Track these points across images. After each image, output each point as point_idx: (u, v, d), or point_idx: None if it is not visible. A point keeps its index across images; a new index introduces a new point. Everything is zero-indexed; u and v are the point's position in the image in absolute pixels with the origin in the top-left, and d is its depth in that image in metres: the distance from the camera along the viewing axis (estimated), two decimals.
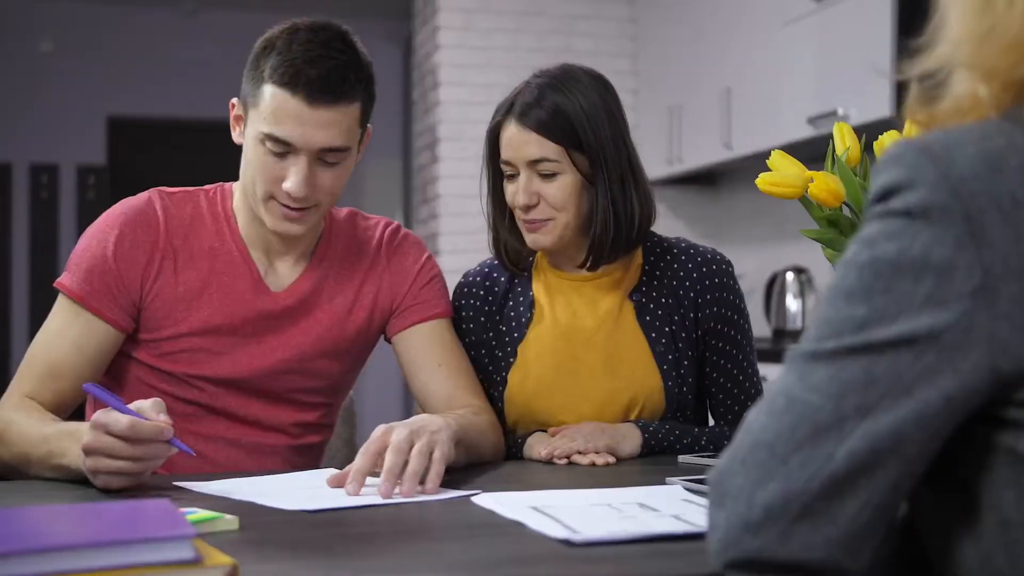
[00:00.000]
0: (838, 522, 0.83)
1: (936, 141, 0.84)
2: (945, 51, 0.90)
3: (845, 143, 1.69)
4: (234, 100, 1.77)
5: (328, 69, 1.66)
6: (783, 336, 4.34)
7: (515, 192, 1.85)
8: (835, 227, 1.63)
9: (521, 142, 1.82)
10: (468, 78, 5.18)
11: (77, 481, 1.45)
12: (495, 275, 1.98)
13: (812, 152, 4.12)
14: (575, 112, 1.82)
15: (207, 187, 1.87)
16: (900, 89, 3.54)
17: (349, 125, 1.71)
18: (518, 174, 1.84)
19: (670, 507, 1.26)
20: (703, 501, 1.30)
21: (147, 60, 7.16)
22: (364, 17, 7.12)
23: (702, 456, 1.74)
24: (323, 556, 1.09)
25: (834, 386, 0.83)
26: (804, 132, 4.00)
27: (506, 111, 1.85)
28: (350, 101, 1.70)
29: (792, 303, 4.33)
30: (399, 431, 1.45)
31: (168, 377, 1.77)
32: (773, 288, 4.42)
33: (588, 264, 1.88)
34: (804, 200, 1.63)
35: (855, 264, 0.85)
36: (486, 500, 1.34)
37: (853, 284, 0.84)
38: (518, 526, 1.18)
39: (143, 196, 1.82)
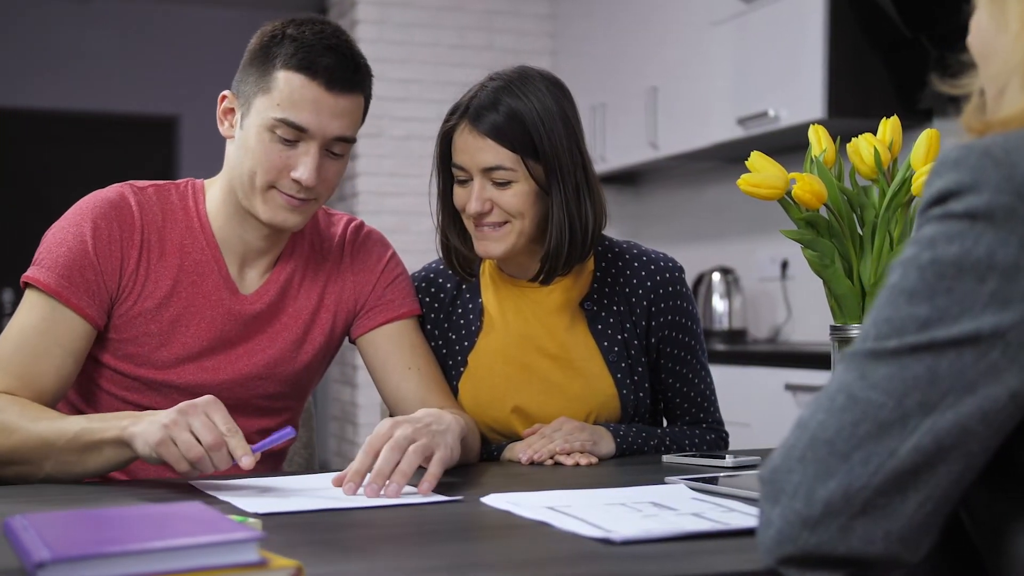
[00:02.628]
0: (899, 517, 0.87)
1: (996, 145, 0.88)
2: (1002, 66, 0.95)
3: (821, 145, 1.74)
4: (226, 92, 1.76)
5: (345, 57, 1.70)
6: (710, 336, 4.43)
7: (467, 199, 1.82)
8: (813, 228, 1.68)
9: (476, 148, 1.80)
10: (386, 73, 5.17)
11: (86, 484, 1.47)
12: (440, 280, 1.98)
13: (742, 152, 4.22)
14: (531, 118, 1.79)
15: (176, 182, 1.84)
16: (832, 91, 3.66)
17: (357, 117, 1.75)
18: (471, 179, 1.82)
19: (686, 506, 1.30)
20: (714, 500, 1.34)
21: (37, 49, 6.99)
22: (271, 8, 7.06)
23: (685, 455, 1.79)
24: (359, 557, 1.10)
25: (897, 384, 0.87)
26: (733, 133, 4.10)
27: (461, 114, 1.82)
28: (361, 92, 1.74)
29: (719, 303, 4.43)
30: (403, 428, 1.46)
31: (133, 383, 1.75)
32: (699, 288, 4.51)
33: (542, 277, 1.87)
34: (783, 201, 1.69)
35: (915, 265, 0.89)
36: (497, 501, 1.36)
37: (914, 284, 0.88)
38: (543, 526, 1.21)
39: (113, 189, 1.78)
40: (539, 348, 1.91)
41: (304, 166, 1.69)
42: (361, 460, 1.43)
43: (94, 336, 1.71)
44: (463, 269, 1.92)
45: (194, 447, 1.38)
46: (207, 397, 1.43)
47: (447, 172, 1.87)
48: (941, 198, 0.89)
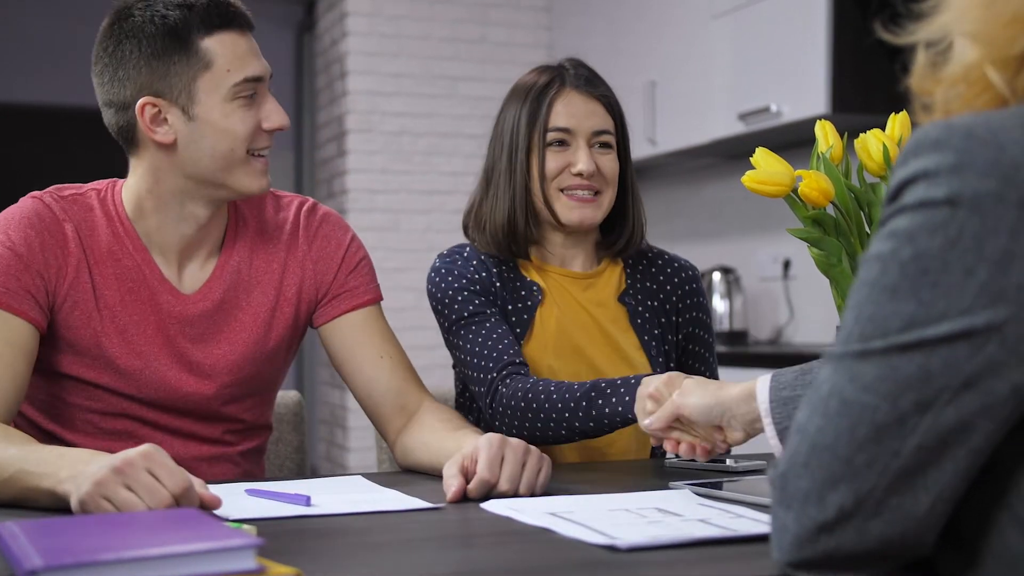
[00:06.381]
0: (913, 515, 0.87)
1: (978, 124, 0.85)
2: (949, 18, 0.93)
3: (828, 141, 1.74)
4: (146, 100, 1.66)
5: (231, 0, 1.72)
6: None
7: (568, 161, 1.90)
8: (820, 227, 1.69)
9: (589, 111, 1.92)
10: (377, 67, 5.17)
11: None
12: (475, 262, 1.97)
13: (743, 149, 4.24)
14: (616, 98, 1.97)
15: (95, 185, 1.79)
16: (835, 86, 3.66)
17: None
18: (569, 144, 1.91)
19: (691, 511, 1.30)
20: (720, 505, 1.35)
21: (10, 41, 6.95)
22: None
23: (688, 459, 1.79)
24: (359, 564, 1.10)
25: (889, 385, 0.85)
26: (734, 128, 4.10)
27: (560, 80, 1.93)
28: None
29: (719, 304, 4.43)
30: (513, 442, 1.48)
31: (94, 391, 1.73)
32: None
33: (621, 249, 1.98)
34: (789, 199, 1.69)
35: (896, 260, 0.86)
36: (498, 507, 1.36)
37: (895, 280, 0.86)
38: (546, 532, 1.21)
39: (34, 200, 1.72)
40: (590, 333, 1.96)
41: (275, 112, 1.71)
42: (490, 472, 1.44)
43: (39, 339, 1.67)
44: (515, 245, 1.94)
45: (135, 506, 1.24)
46: (145, 449, 1.29)
47: (532, 138, 1.92)
48: (916, 179, 0.86)
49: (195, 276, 1.78)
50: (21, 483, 1.40)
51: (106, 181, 1.80)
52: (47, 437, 1.76)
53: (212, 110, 1.67)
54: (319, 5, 5.63)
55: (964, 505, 0.90)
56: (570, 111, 1.91)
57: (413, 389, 1.84)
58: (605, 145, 1.93)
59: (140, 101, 1.67)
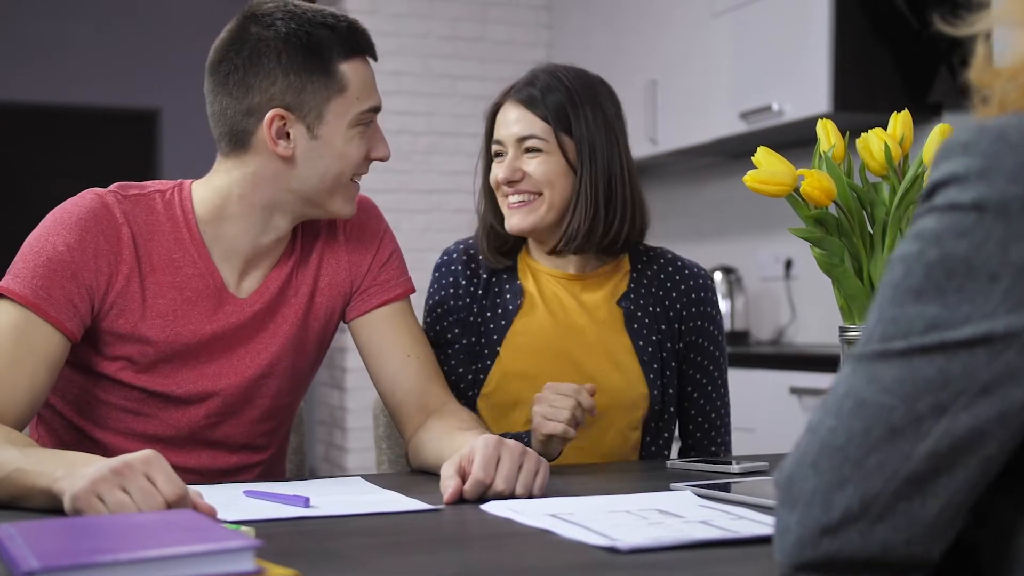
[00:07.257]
0: (919, 521, 0.86)
1: (1012, 127, 0.86)
2: (1005, 9, 0.93)
3: (830, 140, 1.74)
4: (278, 111, 1.66)
5: (361, 24, 1.74)
6: None
7: (499, 170, 1.94)
8: (822, 226, 1.69)
9: (512, 119, 1.94)
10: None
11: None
12: (481, 257, 2.03)
13: (744, 148, 4.24)
14: (569, 97, 1.92)
15: (158, 186, 1.76)
16: (837, 84, 3.66)
17: None
18: (507, 154, 1.94)
19: (693, 513, 1.30)
20: (722, 507, 1.35)
21: (9, 39, 6.97)
22: None
23: (690, 460, 1.79)
24: (358, 566, 1.10)
25: (907, 387, 0.85)
26: (736, 127, 4.10)
27: (506, 92, 1.96)
28: None
29: (720, 304, 4.41)
30: (510, 443, 1.48)
31: (129, 391, 1.72)
32: None
33: (557, 248, 1.94)
34: (791, 198, 1.69)
35: (922, 262, 0.86)
36: (498, 508, 1.36)
37: (920, 282, 0.86)
38: (546, 534, 1.21)
39: (96, 197, 1.69)
40: (578, 336, 1.97)
41: (382, 144, 1.76)
42: (485, 472, 1.44)
43: (69, 348, 1.65)
44: (497, 252, 2.00)
45: (127, 508, 1.23)
46: (146, 454, 1.27)
47: (489, 151, 1.99)
48: (947, 182, 0.87)
49: (253, 279, 1.78)
50: (17, 482, 1.39)
51: (171, 182, 1.78)
52: (75, 432, 1.76)
53: (336, 133, 1.69)
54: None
55: (990, 514, 0.91)
56: (500, 122, 1.96)
57: (436, 390, 1.85)
58: (531, 150, 1.93)
59: (271, 112, 1.66)
